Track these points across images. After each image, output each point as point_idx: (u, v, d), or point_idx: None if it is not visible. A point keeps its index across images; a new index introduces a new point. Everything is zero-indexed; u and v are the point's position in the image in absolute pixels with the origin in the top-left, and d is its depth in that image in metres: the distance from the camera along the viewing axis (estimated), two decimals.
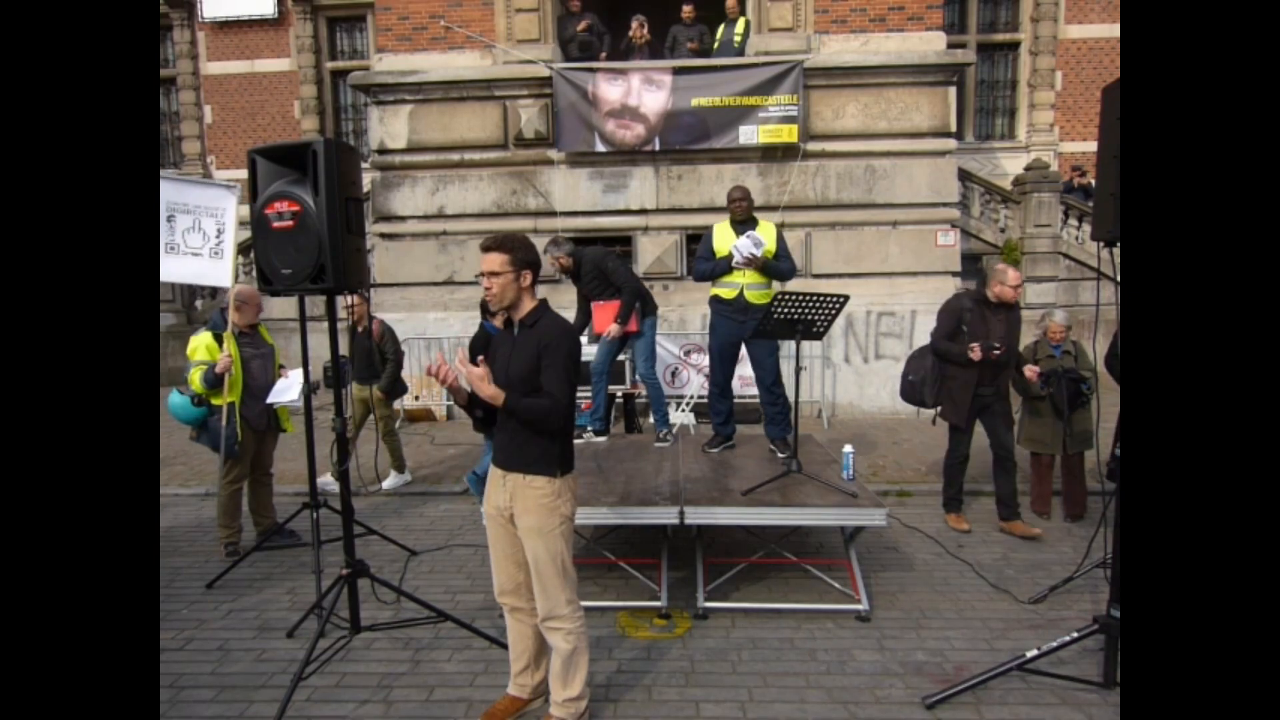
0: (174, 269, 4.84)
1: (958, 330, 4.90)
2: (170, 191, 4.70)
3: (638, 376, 5.72)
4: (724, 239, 4.79)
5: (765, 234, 4.78)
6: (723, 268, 4.76)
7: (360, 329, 5.70)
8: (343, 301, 5.27)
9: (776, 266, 4.79)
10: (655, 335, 5.62)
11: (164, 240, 4.72)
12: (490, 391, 2.58)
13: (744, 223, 4.80)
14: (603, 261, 5.39)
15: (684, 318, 8.81)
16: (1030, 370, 4.97)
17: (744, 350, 4.96)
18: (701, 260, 4.91)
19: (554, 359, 2.65)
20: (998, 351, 4.72)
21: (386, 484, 6.15)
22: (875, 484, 5.83)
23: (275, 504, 5.09)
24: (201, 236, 4.87)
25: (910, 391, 5.12)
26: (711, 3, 9.14)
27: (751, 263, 4.67)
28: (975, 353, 4.70)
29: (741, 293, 4.75)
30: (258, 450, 4.89)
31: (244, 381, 4.70)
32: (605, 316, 5.39)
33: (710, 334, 5.04)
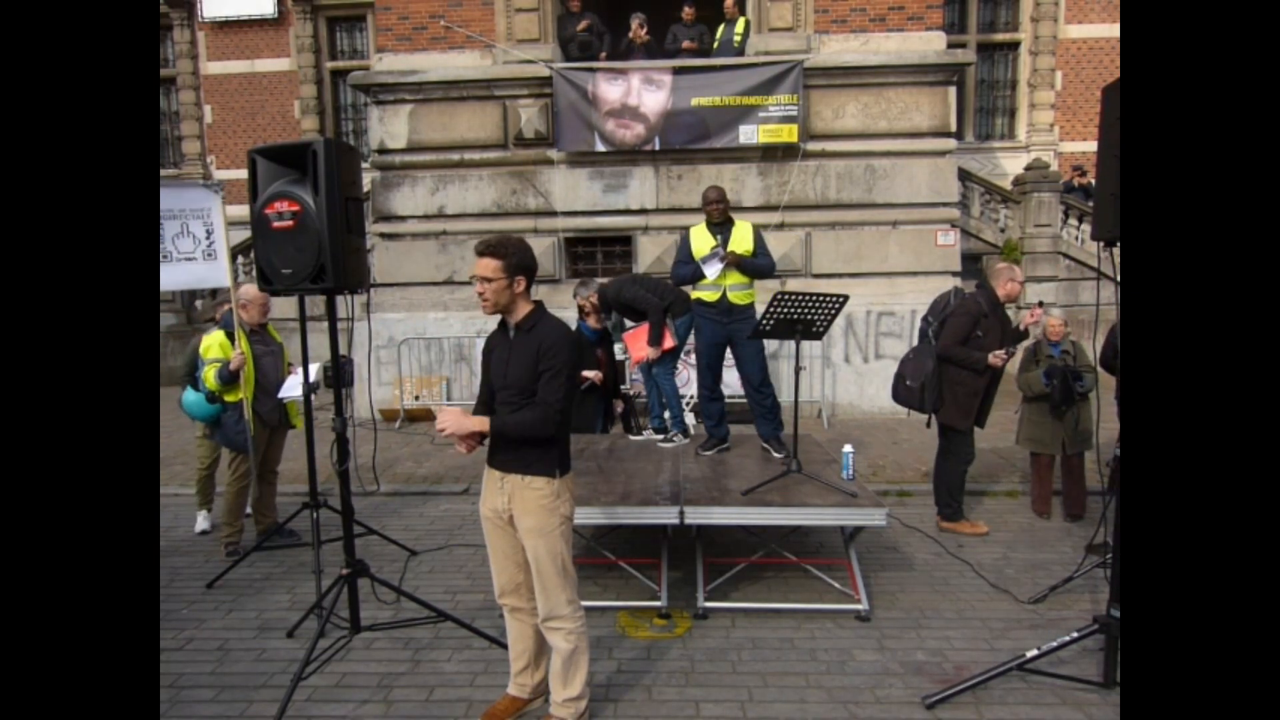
0: (171, 277, 4.89)
1: (972, 335, 4.74)
2: None
3: (653, 377, 5.48)
4: (702, 242, 4.73)
5: (742, 234, 4.71)
6: (702, 271, 4.70)
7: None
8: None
9: (755, 264, 4.72)
10: (687, 337, 5.44)
11: None
12: (473, 425, 2.65)
13: (720, 224, 4.73)
14: (620, 294, 5.27)
15: None
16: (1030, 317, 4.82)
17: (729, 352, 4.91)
18: (681, 265, 4.85)
19: (551, 364, 2.65)
20: (1012, 354, 4.67)
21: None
22: (875, 484, 5.83)
23: (275, 504, 5.10)
24: (192, 240, 4.91)
25: (907, 396, 4.95)
26: (711, 2, 9.14)
27: (726, 260, 4.61)
28: (999, 359, 4.59)
29: (724, 294, 4.71)
30: (268, 446, 4.96)
31: (255, 378, 4.77)
32: (638, 344, 5.27)
33: (695, 337, 5.00)
